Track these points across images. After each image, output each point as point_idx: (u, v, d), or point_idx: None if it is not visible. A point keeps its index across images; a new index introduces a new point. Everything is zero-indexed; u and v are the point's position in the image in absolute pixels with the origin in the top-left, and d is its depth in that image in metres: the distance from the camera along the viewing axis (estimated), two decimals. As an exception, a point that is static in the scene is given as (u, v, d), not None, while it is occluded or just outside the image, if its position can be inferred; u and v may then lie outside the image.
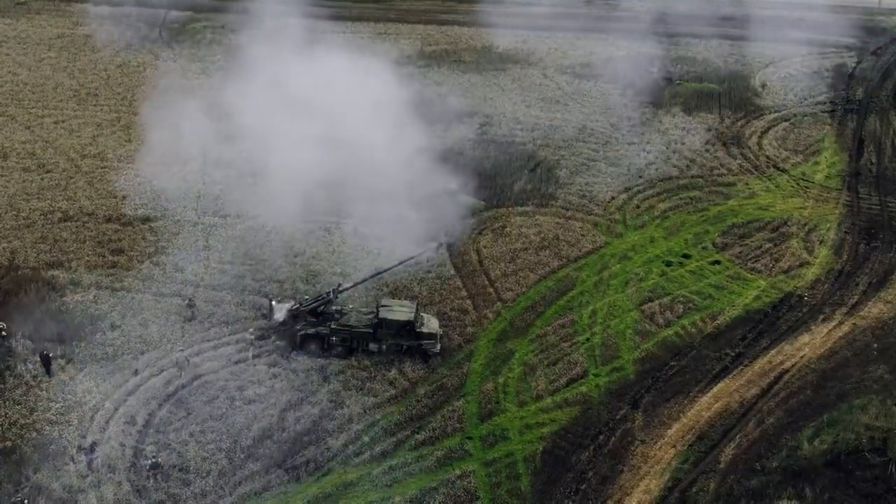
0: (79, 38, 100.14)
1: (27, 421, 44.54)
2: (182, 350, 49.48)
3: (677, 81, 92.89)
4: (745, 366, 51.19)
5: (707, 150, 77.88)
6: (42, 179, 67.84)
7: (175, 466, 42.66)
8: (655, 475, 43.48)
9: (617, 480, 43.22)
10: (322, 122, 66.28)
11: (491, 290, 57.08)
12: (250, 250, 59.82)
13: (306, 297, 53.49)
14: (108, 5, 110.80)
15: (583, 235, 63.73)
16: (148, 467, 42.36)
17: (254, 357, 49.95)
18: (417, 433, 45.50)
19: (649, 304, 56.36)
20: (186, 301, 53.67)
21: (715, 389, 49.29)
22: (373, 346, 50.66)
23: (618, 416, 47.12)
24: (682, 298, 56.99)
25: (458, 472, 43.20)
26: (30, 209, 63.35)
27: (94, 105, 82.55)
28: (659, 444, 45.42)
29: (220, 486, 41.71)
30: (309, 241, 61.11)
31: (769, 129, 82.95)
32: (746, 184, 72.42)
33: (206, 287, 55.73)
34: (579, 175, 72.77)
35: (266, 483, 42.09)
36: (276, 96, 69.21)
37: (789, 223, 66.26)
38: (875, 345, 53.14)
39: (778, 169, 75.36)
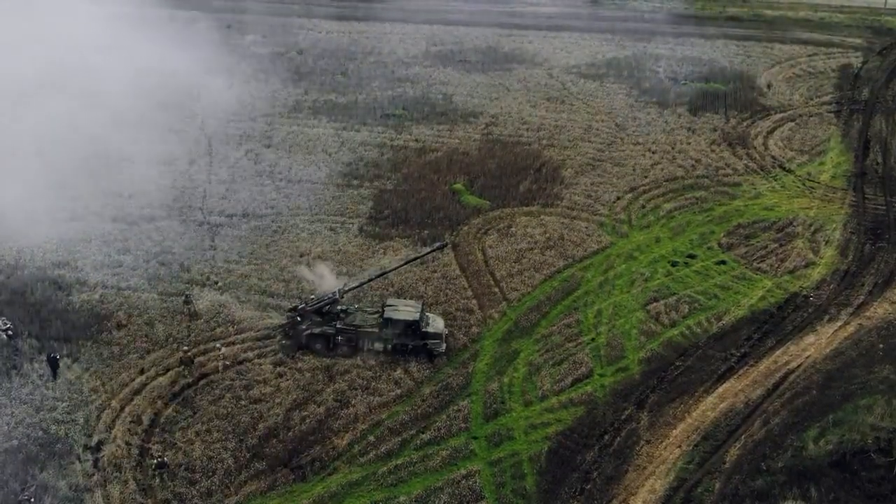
0: None
1: (33, 420, 44.70)
2: (187, 348, 49.63)
3: (683, 81, 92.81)
4: (751, 366, 51.14)
5: (712, 151, 77.83)
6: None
7: (181, 465, 42.79)
8: (660, 475, 43.49)
9: (622, 480, 43.23)
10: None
11: (496, 289, 57.11)
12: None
13: (311, 296, 53.56)
14: None
15: (588, 235, 63.72)
16: (154, 466, 42.50)
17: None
18: (423, 433, 45.55)
19: (655, 304, 56.34)
20: (183, 297, 53.87)
21: (720, 389, 49.26)
22: (378, 346, 50.73)
23: (623, 417, 47.11)
24: (687, 298, 56.96)
25: (463, 471, 43.25)
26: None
27: None
28: (664, 444, 45.42)
29: (226, 486, 41.82)
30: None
31: (775, 129, 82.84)
32: (752, 184, 72.35)
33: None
34: (584, 175, 72.78)
35: (271, 482, 42.20)
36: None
37: (795, 223, 66.16)
38: (881, 345, 53.04)
39: (783, 169, 75.26)
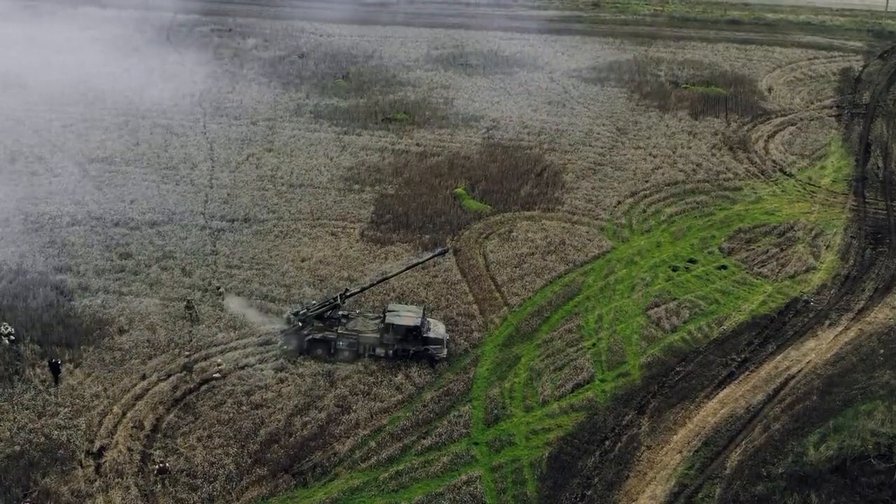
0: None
1: (35, 425, 44.78)
2: (189, 354, 49.75)
3: (684, 85, 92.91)
4: (752, 371, 51.19)
5: (713, 155, 77.89)
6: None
7: (182, 471, 42.84)
8: (661, 481, 43.54)
9: (623, 486, 43.29)
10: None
11: (497, 294, 57.18)
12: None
13: (313, 301, 53.64)
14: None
15: (589, 240, 63.78)
16: (155, 472, 42.58)
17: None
18: (424, 438, 45.62)
19: (655, 308, 56.39)
20: (185, 303, 54.01)
21: (721, 395, 49.32)
22: (379, 351, 50.82)
23: (624, 422, 47.17)
24: (688, 303, 57.01)
25: (464, 477, 43.30)
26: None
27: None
28: (665, 449, 45.47)
29: (228, 491, 41.88)
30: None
31: (775, 133, 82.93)
32: (753, 188, 72.40)
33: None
34: (585, 179, 72.86)
35: (273, 488, 42.26)
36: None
37: (795, 228, 66.22)
38: (881, 350, 53.09)
39: (784, 173, 75.33)
